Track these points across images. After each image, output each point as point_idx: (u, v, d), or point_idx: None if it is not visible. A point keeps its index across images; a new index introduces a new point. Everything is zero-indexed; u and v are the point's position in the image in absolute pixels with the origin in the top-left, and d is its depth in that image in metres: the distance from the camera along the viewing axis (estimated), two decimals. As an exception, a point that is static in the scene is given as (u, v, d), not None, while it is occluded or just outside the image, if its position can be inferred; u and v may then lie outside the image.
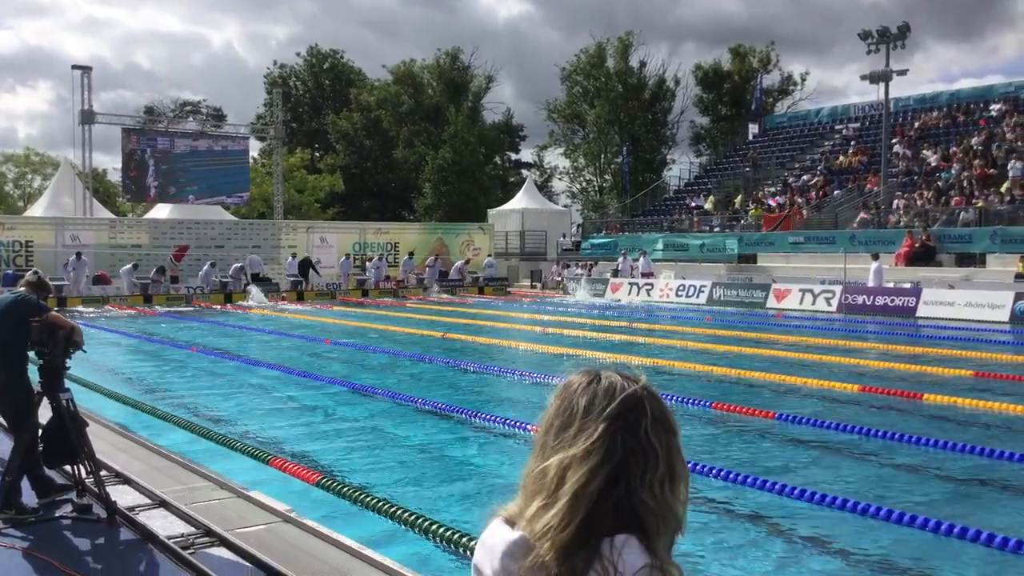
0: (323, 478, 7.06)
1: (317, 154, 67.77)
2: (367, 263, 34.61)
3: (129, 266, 29.62)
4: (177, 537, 5.41)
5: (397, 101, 62.16)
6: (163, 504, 6.09)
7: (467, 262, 36.27)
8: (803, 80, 62.34)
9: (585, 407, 1.34)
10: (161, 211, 39.06)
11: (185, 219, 35.21)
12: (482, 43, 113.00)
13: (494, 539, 1.32)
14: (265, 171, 53.69)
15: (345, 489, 6.70)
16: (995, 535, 5.62)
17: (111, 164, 68.08)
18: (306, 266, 32.66)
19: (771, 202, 36.21)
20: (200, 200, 38.41)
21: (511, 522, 1.34)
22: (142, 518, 5.77)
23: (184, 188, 37.87)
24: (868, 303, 23.35)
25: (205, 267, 30.65)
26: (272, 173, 45.45)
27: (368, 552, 5.07)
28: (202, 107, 68.41)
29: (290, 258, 32.69)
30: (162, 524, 5.68)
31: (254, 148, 53.61)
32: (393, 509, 6.12)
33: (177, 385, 12.64)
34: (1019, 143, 30.98)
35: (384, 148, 63.20)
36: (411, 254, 35.53)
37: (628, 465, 1.28)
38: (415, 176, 60.70)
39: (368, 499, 6.39)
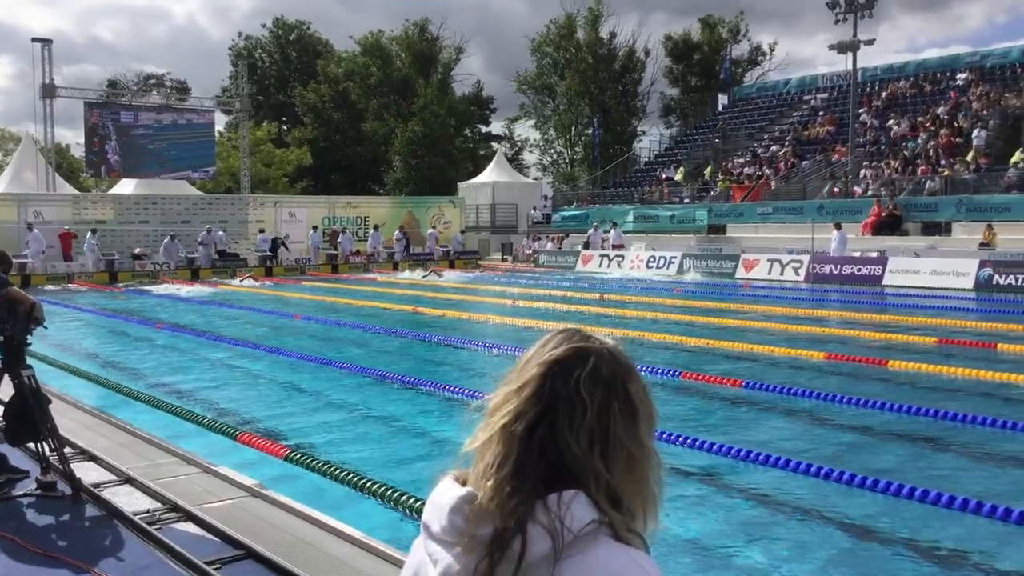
0: (291, 452, 7.03)
1: (284, 127, 66.97)
2: (340, 235, 34.35)
3: (91, 234, 29.02)
4: (143, 513, 5.36)
5: (365, 73, 61.51)
6: (129, 480, 6.03)
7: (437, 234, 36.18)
8: (772, 51, 62.60)
9: (536, 352, 1.35)
10: (126, 186, 38.48)
11: (150, 194, 34.72)
12: (451, 14, 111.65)
13: (443, 496, 1.31)
14: (231, 145, 52.98)
15: (314, 462, 6.68)
16: (955, 496, 5.71)
17: (74, 139, 66.87)
18: (276, 244, 32.45)
19: (744, 172, 36.37)
20: (165, 175, 37.88)
21: (462, 481, 1.33)
22: (107, 494, 5.71)
23: (149, 163, 37.31)
24: (835, 272, 23.58)
25: (164, 241, 30.22)
26: (238, 147, 44.88)
27: (337, 524, 5.06)
28: (166, 80, 67.29)
29: (260, 233, 32.38)
30: (128, 500, 5.63)
31: (220, 122, 52.89)
32: (362, 481, 6.12)
33: (143, 362, 12.51)
34: (984, 112, 31.31)
35: (353, 121, 62.60)
36: (377, 227, 35.34)
37: (557, 411, 1.27)
38: (384, 149, 60.25)
39: (337, 472, 6.37)
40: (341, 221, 36.06)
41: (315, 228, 33.99)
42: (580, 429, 1.26)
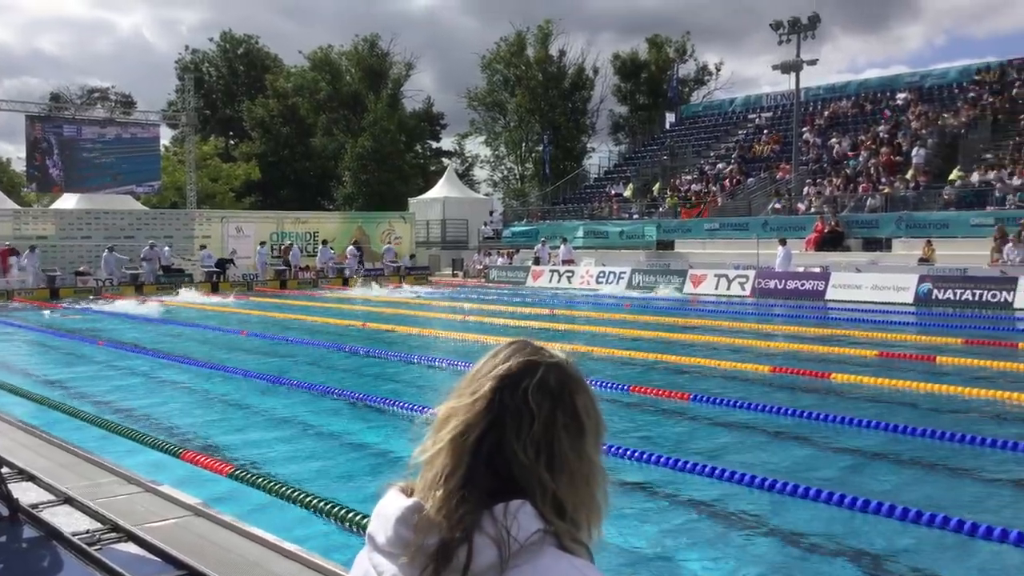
0: (236, 470, 6.93)
1: (232, 142, 66.25)
2: (289, 252, 34.03)
3: (30, 251, 28.39)
4: (83, 534, 5.24)
5: (315, 88, 61.18)
6: (68, 500, 5.89)
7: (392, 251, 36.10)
8: (718, 70, 63.66)
9: (485, 363, 1.36)
10: (68, 201, 37.70)
11: (93, 209, 34.05)
12: (401, 30, 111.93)
13: (389, 507, 1.31)
14: (177, 160, 52.24)
15: (259, 480, 6.60)
16: (895, 506, 5.84)
17: (15, 153, 65.34)
18: (223, 263, 32.05)
19: (691, 188, 36.86)
20: (109, 189, 37.19)
21: (408, 492, 1.33)
22: (46, 515, 5.57)
23: (92, 177, 36.64)
24: (780, 287, 23.99)
25: (104, 255, 29.62)
26: (184, 161, 44.29)
27: (283, 543, 5.00)
28: (111, 94, 66.20)
29: (202, 249, 31.93)
30: (67, 521, 5.49)
31: (166, 136, 52.28)
32: (308, 499, 6.05)
33: (84, 379, 12.24)
34: (923, 131, 32.17)
35: (302, 136, 62.16)
36: (325, 242, 35.11)
37: (504, 422, 1.28)
38: (334, 164, 59.90)
39: (283, 489, 6.30)
40: (290, 236, 35.74)
41: (263, 244, 33.63)
42: (527, 440, 1.28)
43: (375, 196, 54.92)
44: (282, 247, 34.67)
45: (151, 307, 23.95)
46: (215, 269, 31.24)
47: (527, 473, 1.27)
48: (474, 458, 1.28)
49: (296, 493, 6.18)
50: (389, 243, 36.92)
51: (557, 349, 1.39)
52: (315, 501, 5.99)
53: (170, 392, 11.21)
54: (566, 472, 1.30)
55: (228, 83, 68.26)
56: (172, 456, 7.49)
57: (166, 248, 31.73)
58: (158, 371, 12.80)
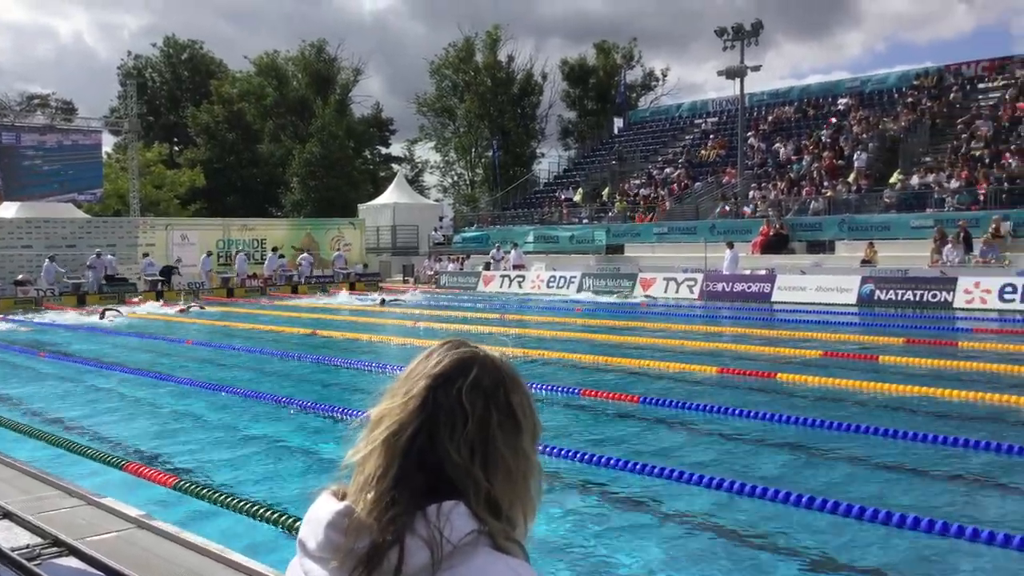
0: (180, 480, 6.82)
1: (176, 148, 65.19)
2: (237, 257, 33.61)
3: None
4: (22, 549, 5.10)
5: (261, 93, 60.53)
6: (7, 515, 5.73)
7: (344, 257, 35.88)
8: (664, 76, 64.45)
9: (419, 363, 1.35)
10: (7, 210, 36.64)
11: (33, 217, 33.19)
12: (348, 35, 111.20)
13: (319, 511, 1.30)
14: (120, 167, 51.23)
15: (203, 491, 6.49)
16: (840, 503, 5.95)
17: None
18: (168, 271, 31.50)
19: (640, 193, 37.20)
20: (50, 197, 36.34)
21: (340, 495, 1.32)
22: (-17, 531, 5.42)
23: (32, 185, 35.75)
24: (727, 289, 24.31)
25: (44, 264, 28.92)
26: (127, 168, 43.45)
27: (227, 553, 4.93)
28: (51, 100, 64.67)
29: (144, 257, 31.33)
30: (6, 536, 5.35)
31: (108, 143, 51.15)
32: (254, 508, 5.98)
33: (25, 391, 11.93)
34: (864, 136, 32.88)
35: (248, 142, 61.43)
36: (275, 249, 34.72)
37: (438, 422, 1.28)
38: (282, 171, 59.29)
39: (228, 499, 6.21)
40: (237, 244, 35.27)
41: (209, 253, 33.13)
42: (461, 439, 1.27)
43: (324, 202, 54.47)
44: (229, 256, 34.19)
45: (93, 318, 23.43)
46: (159, 278, 30.70)
47: (461, 473, 1.27)
48: (406, 458, 1.27)
49: (240, 502, 6.10)
50: (339, 250, 36.63)
51: (501, 349, 1.40)
52: (259, 509, 5.92)
53: (114, 403, 10.99)
54: (501, 470, 1.29)
55: (172, 89, 67.17)
56: (115, 468, 7.34)
57: (110, 256, 31.07)
58: (101, 382, 12.53)
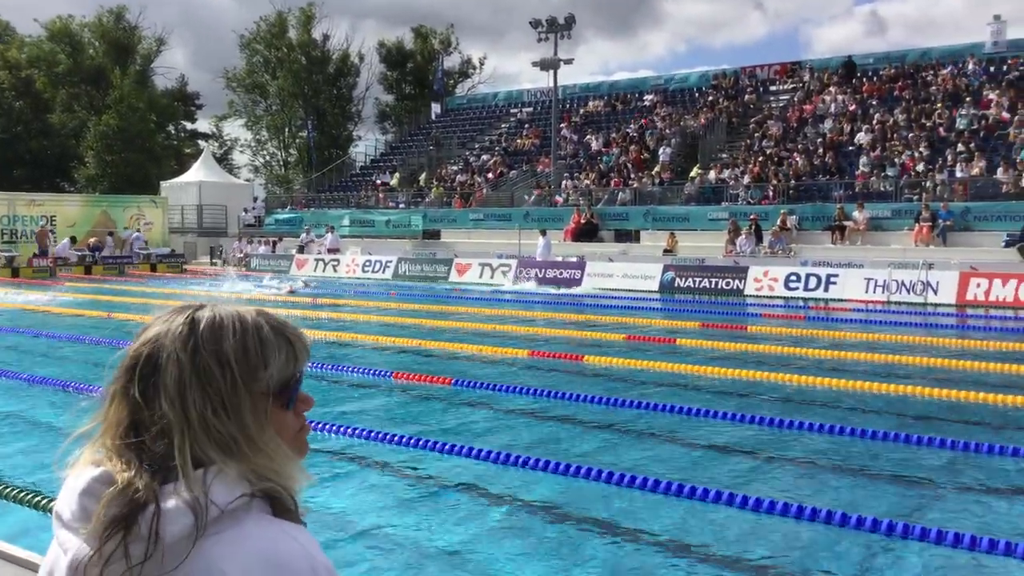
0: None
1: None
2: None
3: None
4: None
5: (53, 60, 56.08)
6: None
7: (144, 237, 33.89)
8: (481, 64, 65.02)
9: (151, 324, 1.31)
10: None
11: None
12: (151, 3, 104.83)
13: (76, 480, 1.23)
14: None
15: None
16: (637, 476, 6.27)
17: None
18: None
19: (457, 179, 37.43)
20: None
21: (98, 464, 1.24)
22: None
23: None
24: (540, 275, 24.94)
25: None
26: None
27: (9, 549, 4.57)
28: None
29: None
30: None
31: None
32: (7, 490, 5.61)
33: None
34: (668, 131, 34.55)
35: (38, 111, 56.83)
36: (73, 239, 32.30)
37: (152, 374, 1.24)
38: (75, 143, 55.26)
39: (8, 491, 5.77)
40: (23, 220, 32.61)
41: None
42: (170, 385, 1.22)
43: (122, 178, 51.25)
44: (38, 231, 31.64)
45: None
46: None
47: (188, 426, 1.21)
48: (139, 414, 1.23)
49: (22, 494, 5.69)
50: (138, 229, 34.62)
51: (239, 307, 1.34)
52: (12, 491, 5.56)
53: None
54: (234, 425, 1.24)
55: (-52, 50, 61.06)
56: None
57: None
58: None
